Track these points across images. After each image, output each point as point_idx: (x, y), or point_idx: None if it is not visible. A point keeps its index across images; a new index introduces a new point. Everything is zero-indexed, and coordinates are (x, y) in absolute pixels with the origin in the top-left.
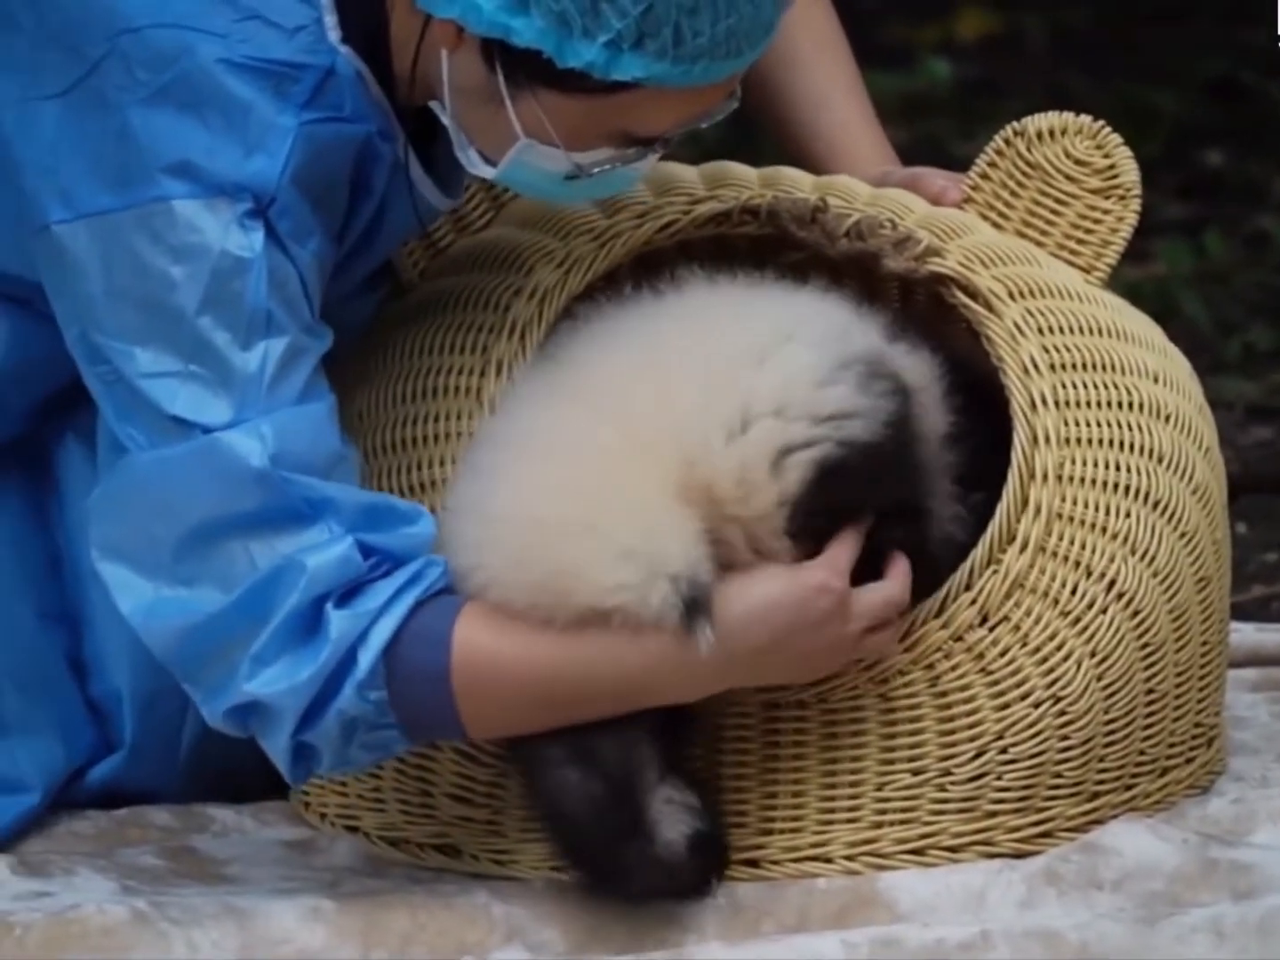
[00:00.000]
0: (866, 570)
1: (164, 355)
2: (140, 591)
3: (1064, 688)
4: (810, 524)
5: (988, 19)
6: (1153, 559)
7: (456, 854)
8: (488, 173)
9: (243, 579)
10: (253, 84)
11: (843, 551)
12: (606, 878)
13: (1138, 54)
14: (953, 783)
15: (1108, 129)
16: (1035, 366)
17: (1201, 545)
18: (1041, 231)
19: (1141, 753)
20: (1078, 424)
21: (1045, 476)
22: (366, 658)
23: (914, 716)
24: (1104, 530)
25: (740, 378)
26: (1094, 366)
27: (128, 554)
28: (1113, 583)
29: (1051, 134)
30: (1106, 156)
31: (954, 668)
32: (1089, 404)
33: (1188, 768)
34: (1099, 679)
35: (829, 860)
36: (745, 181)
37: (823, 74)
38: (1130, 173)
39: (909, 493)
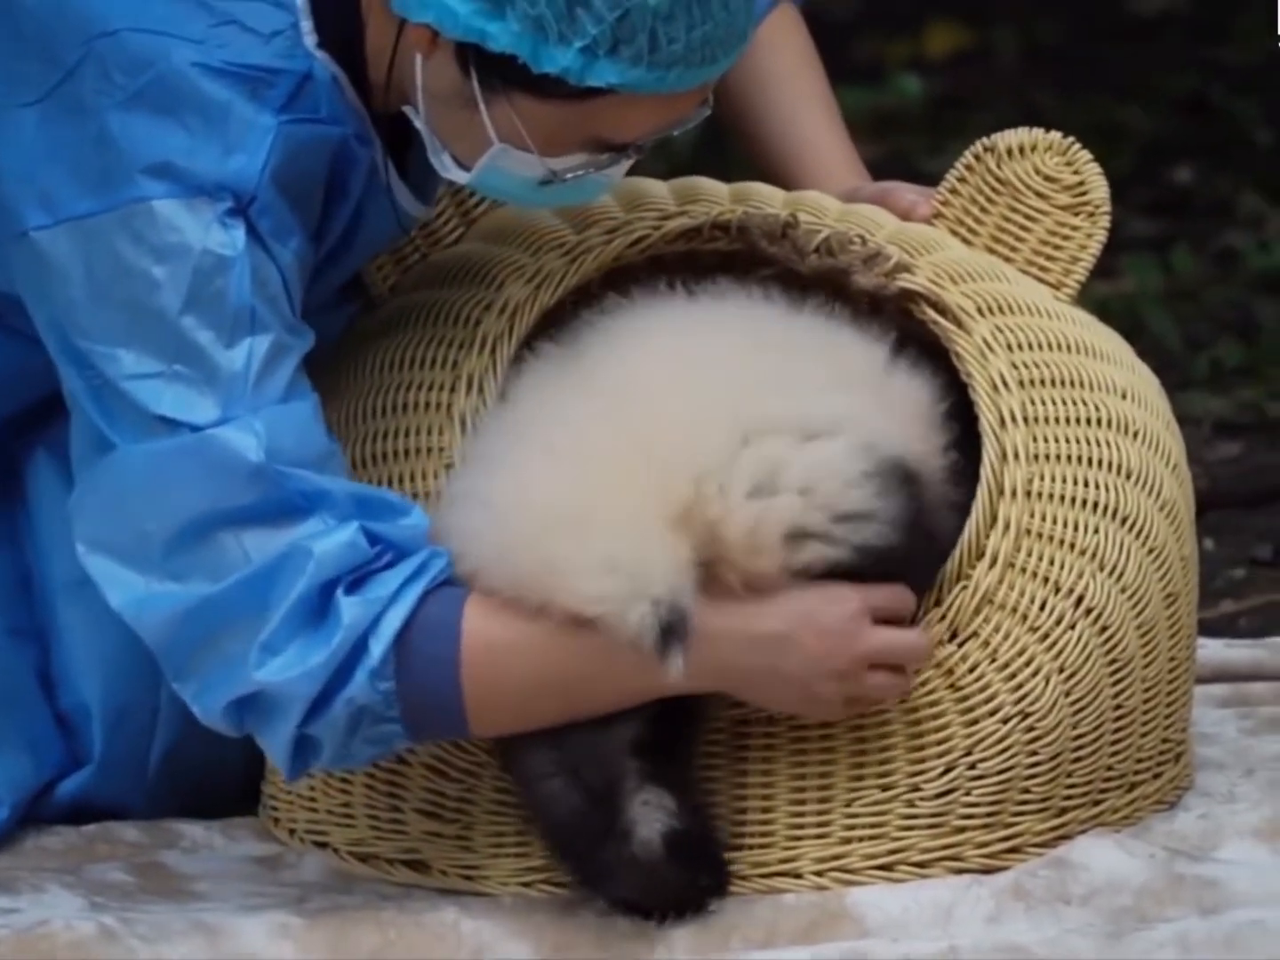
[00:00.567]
0: None
1: (148, 356)
2: (131, 584)
3: (1032, 703)
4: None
5: (958, 35)
6: (1121, 575)
7: (425, 869)
8: (461, 177)
9: (233, 569)
10: (229, 88)
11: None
12: (591, 881)
13: (1107, 71)
14: (921, 799)
15: (1077, 145)
16: (1004, 383)
17: (1169, 561)
18: (1010, 247)
19: (1109, 768)
20: (1046, 440)
21: (1014, 493)
22: (379, 646)
23: (883, 733)
24: (1072, 546)
25: (780, 443)
26: (1062, 383)
27: (117, 549)
28: (1081, 598)
29: (1021, 150)
30: (1076, 173)
31: (923, 684)
32: (1057, 420)
33: (1155, 783)
34: (1067, 695)
35: (798, 876)
36: (716, 197)
37: (795, 90)
38: (1099, 189)
39: (916, 582)
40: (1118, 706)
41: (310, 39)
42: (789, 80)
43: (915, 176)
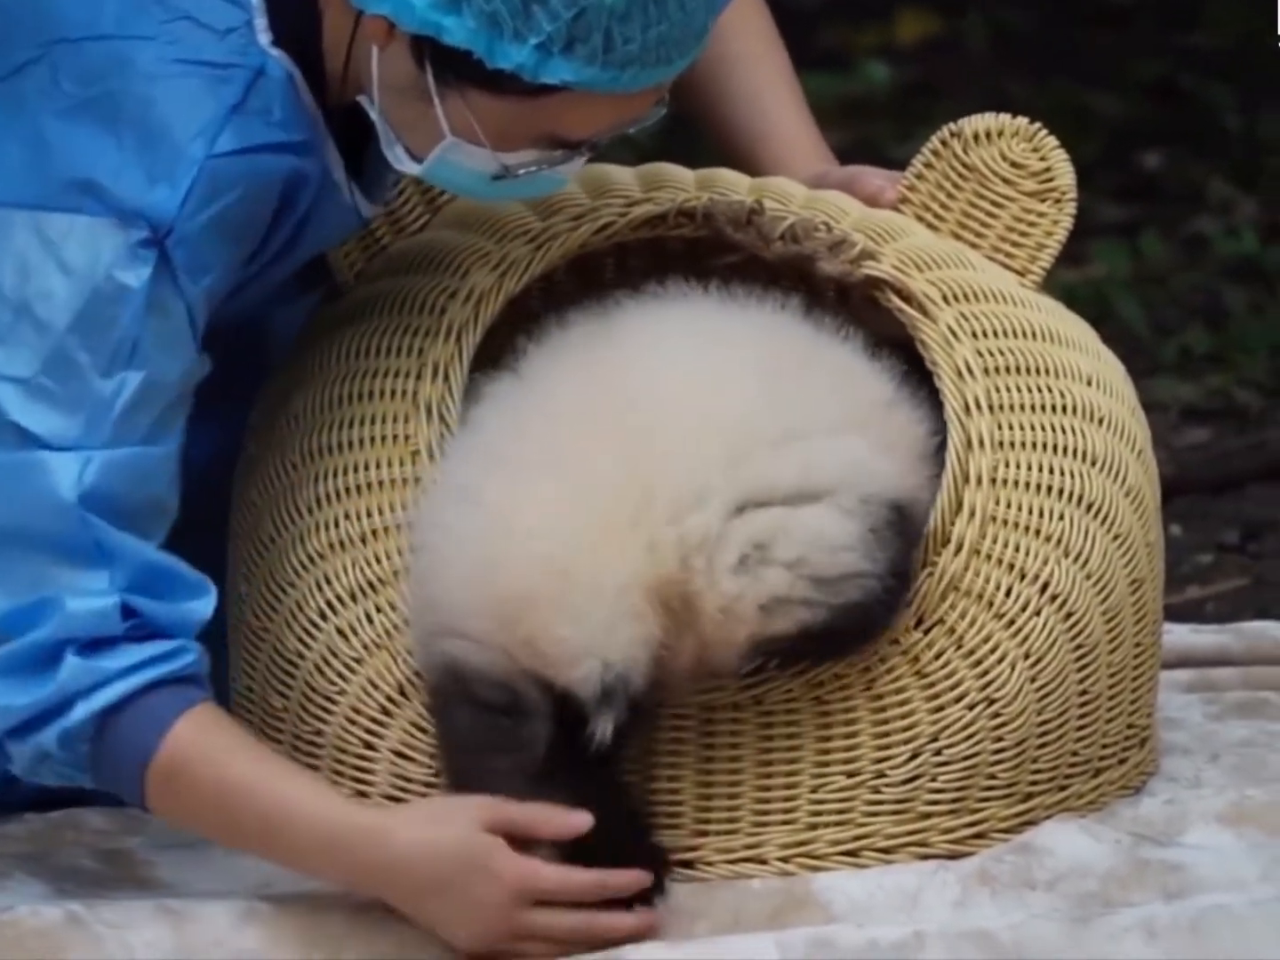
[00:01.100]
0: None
1: (18, 359)
2: None
3: (998, 690)
4: (765, 659)
5: (927, 22)
6: (1086, 561)
7: None
8: (413, 169)
9: (18, 592)
10: (180, 91)
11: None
12: None
13: (1077, 57)
14: (887, 785)
15: (1044, 132)
16: (969, 370)
17: (1135, 547)
18: (977, 234)
19: (1075, 754)
20: (1011, 427)
21: (979, 480)
22: (83, 711)
23: (849, 719)
24: (1038, 533)
25: (772, 515)
26: (1028, 370)
27: None
28: (1046, 585)
29: (988, 136)
30: (1042, 159)
31: (889, 670)
32: (1023, 408)
33: (1121, 768)
34: (1032, 681)
35: (763, 862)
36: (681, 184)
37: (759, 76)
38: (1066, 176)
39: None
40: (1083, 692)
41: (265, 36)
42: (753, 64)
43: (884, 164)
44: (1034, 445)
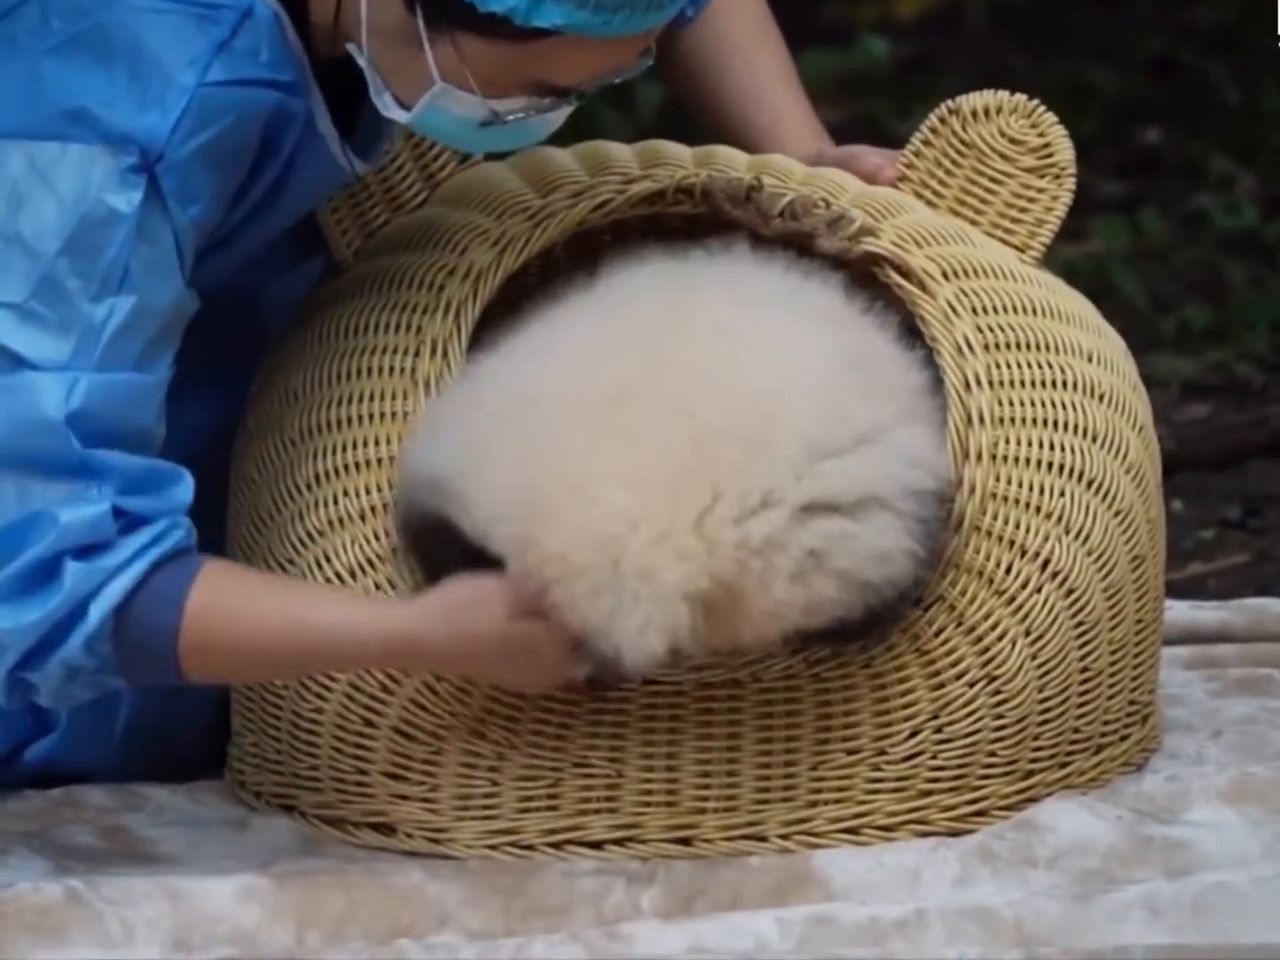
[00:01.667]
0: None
1: (9, 285)
2: None
3: (999, 667)
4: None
5: None
6: (1087, 538)
7: (392, 832)
8: (402, 117)
9: (5, 513)
10: (169, 27)
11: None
12: None
13: (1076, 33)
14: (887, 762)
15: (1043, 107)
16: (969, 347)
17: (1136, 523)
18: (976, 210)
19: (1076, 730)
20: (1012, 404)
21: (979, 456)
22: (97, 612)
23: (849, 696)
24: (1038, 509)
25: (836, 523)
26: (1028, 346)
27: None
28: (1047, 562)
29: (986, 112)
30: (1041, 135)
31: (889, 647)
32: (1023, 384)
33: (1122, 745)
34: (1034, 658)
35: (763, 839)
36: (680, 160)
37: (754, 56)
38: (1065, 151)
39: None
40: (1084, 669)
41: None
42: (747, 44)
43: (883, 139)
44: (1034, 421)
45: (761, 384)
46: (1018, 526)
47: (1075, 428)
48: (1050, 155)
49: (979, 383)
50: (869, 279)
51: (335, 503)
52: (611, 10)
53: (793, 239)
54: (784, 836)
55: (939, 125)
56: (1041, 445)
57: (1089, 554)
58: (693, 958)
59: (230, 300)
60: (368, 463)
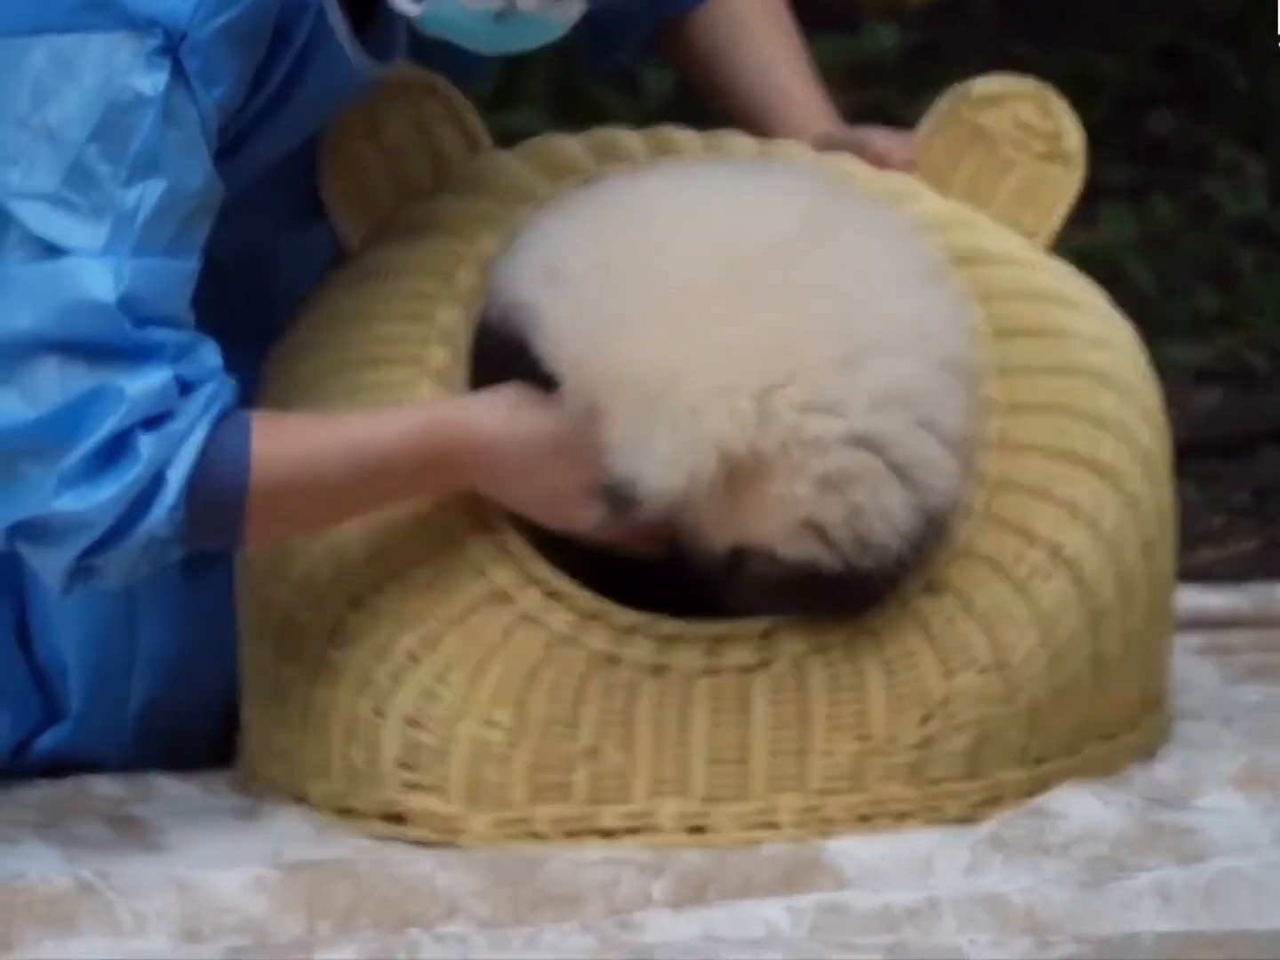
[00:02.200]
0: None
1: (39, 176)
2: None
3: (1010, 654)
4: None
5: None
6: (1097, 525)
7: (402, 822)
8: (413, 10)
9: (50, 398)
10: None
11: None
12: None
13: (1085, 20)
14: (899, 749)
15: (1052, 94)
16: (978, 333)
17: (1146, 510)
18: (985, 196)
19: (1087, 718)
20: (1021, 390)
21: (989, 443)
22: (175, 479)
23: (859, 684)
24: (1048, 496)
25: (871, 459)
26: (1037, 333)
27: None
28: (1057, 548)
29: (996, 98)
30: (1051, 121)
31: (899, 635)
32: (1033, 370)
33: (1134, 732)
34: (1044, 645)
35: (775, 827)
36: (688, 147)
37: (763, 38)
38: (1075, 138)
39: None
40: (1095, 656)
41: None
42: (759, 25)
43: (891, 126)
44: (1044, 408)
45: (902, 309)
46: (1028, 514)
47: (1085, 414)
48: (1060, 141)
49: (989, 370)
50: None
51: None
52: None
53: None
54: (795, 825)
55: (948, 110)
56: (1051, 432)
57: (1099, 541)
58: (704, 946)
59: (241, 268)
60: None
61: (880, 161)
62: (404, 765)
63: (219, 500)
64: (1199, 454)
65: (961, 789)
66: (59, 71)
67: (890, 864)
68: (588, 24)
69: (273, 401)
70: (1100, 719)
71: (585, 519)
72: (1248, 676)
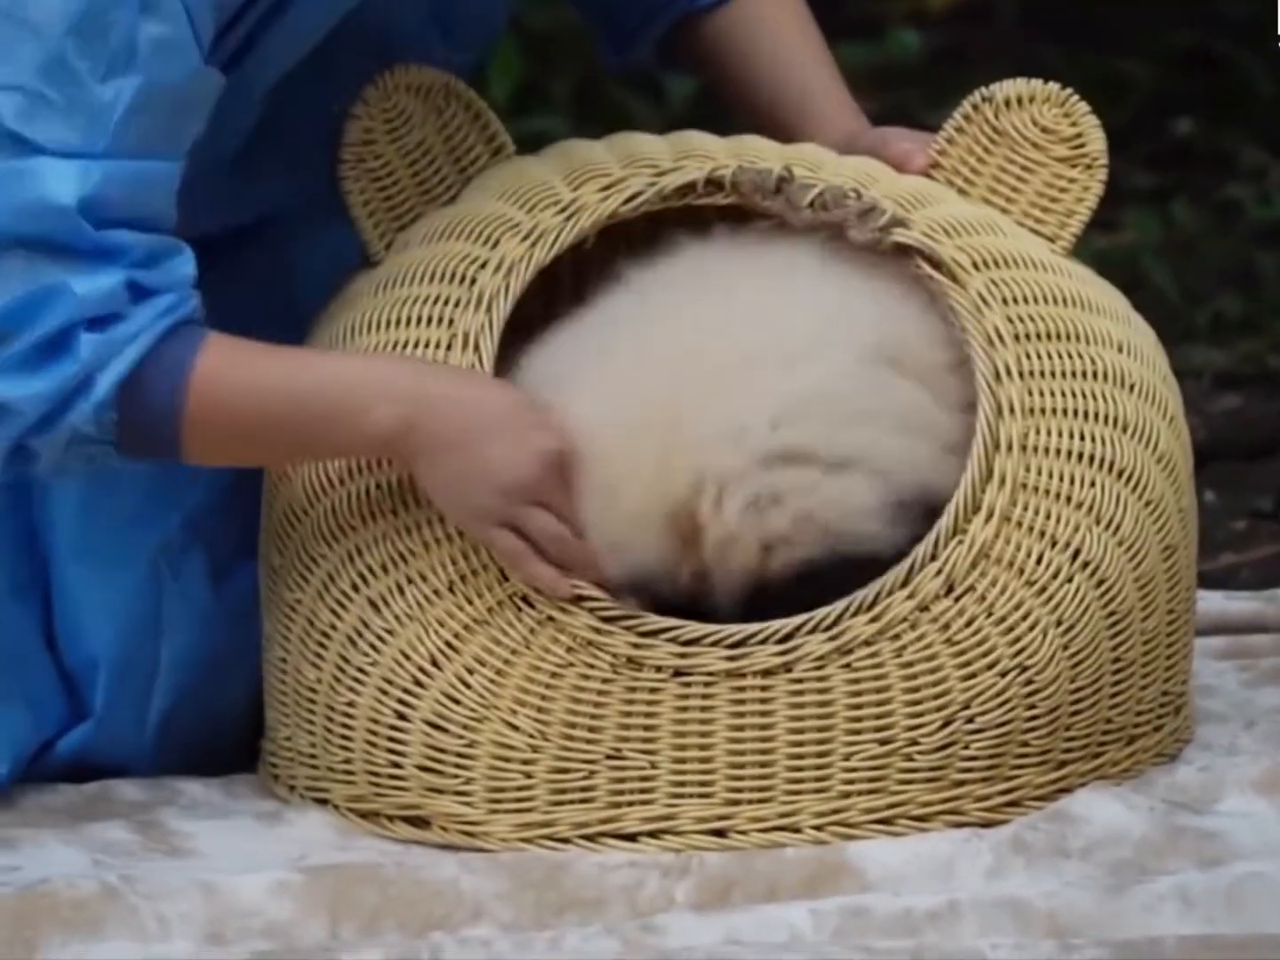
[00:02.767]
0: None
1: (17, 68)
2: None
3: (1030, 657)
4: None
5: None
6: (1118, 528)
7: (425, 826)
8: None
9: (11, 289)
10: None
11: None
12: None
13: (1108, 24)
14: (920, 752)
15: (1075, 97)
16: (999, 337)
17: (1167, 514)
18: (1007, 199)
19: (1109, 721)
20: (1042, 394)
21: (1010, 447)
22: (105, 381)
23: (880, 687)
24: (1069, 500)
25: (802, 474)
26: (1058, 336)
27: None
28: (1078, 552)
29: (1019, 101)
30: (1074, 125)
31: (920, 638)
32: (1053, 374)
33: (1155, 736)
34: (1065, 648)
35: (797, 830)
36: (710, 152)
37: (788, 37)
38: (1097, 141)
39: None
40: (1116, 659)
41: None
42: (781, 26)
43: (915, 129)
44: (1065, 412)
45: (794, 321)
46: (1049, 517)
47: (1106, 418)
48: (1083, 145)
49: (1009, 373)
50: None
51: (368, 497)
52: None
53: (823, 230)
54: (818, 828)
55: (971, 113)
56: (1072, 436)
57: (1120, 544)
58: (727, 950)
59: (258, 264)
60: None
61: (903, 163)
62: (427, 769)
63: (151, 410)
64: (1220, 458)
65: (983, 792)
66: None
67: (912, 867)
68: (604, 21)
69: None
70: (1121, 722)
71: (497, 533)
72: (1270, 680)
